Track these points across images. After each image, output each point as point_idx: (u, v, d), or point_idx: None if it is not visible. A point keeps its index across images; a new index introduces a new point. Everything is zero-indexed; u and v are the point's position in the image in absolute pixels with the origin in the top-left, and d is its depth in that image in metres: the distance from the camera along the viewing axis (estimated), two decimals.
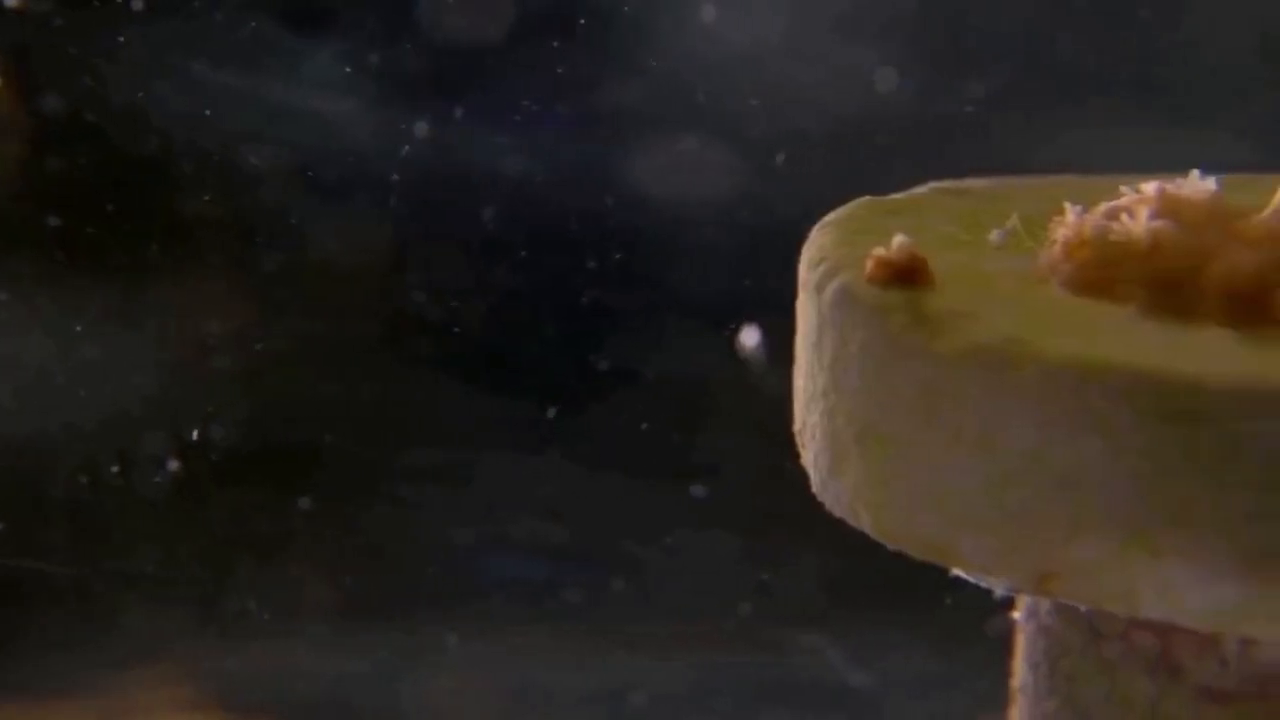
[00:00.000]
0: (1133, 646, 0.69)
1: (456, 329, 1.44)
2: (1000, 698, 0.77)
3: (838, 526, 0.72)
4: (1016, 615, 0.76)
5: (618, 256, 1.43)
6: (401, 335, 1.44)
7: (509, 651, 1.43)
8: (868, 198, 0.79)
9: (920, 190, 0.80)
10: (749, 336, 1.35)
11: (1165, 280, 0.68)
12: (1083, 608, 0.68)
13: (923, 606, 1.30)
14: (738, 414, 1.38)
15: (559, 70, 1.41)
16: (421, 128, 1.40)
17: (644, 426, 1.42)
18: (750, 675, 1.40)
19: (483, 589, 1.44)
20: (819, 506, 0.72)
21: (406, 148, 1.38)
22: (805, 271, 0.73)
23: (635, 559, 1.42)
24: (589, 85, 1.42)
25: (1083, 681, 0.71)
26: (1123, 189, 0.71)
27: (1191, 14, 1.39)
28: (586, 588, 1.42)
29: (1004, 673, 0.77)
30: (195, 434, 1.41)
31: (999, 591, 0.69)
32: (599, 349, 1.44)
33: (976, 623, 1.22)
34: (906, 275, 0.70)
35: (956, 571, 0.69)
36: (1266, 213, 0.69)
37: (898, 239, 0.70)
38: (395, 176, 1.37)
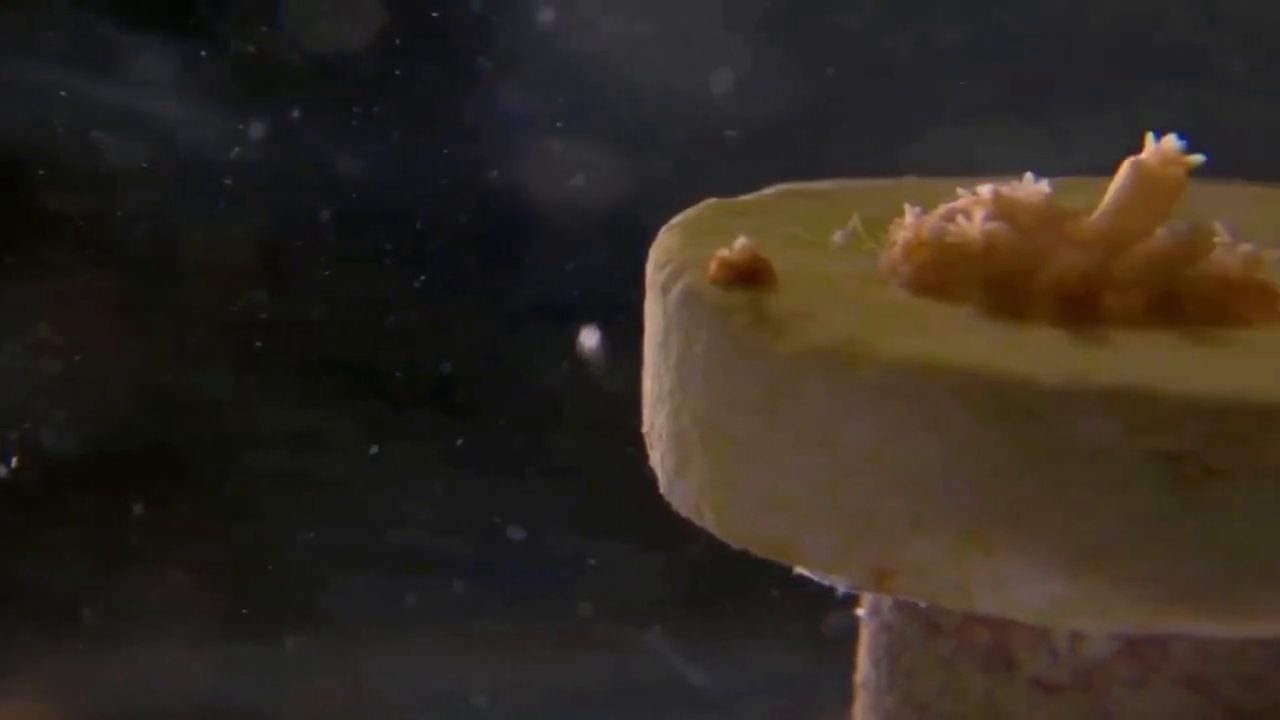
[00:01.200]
0: (969, 641, 0.70)
1: (304, 332, 1.43)
2: (846, 695, 0.78)
3: (684, 526, 0.72)
4: (860, 612, 0.77)
5: (466, 258, 1.43)
6: (248, 338, 1.43)
7: (356, 656, 1.42)
8: (714, 199, 0.79)
9: (767, 192, 0.81)
10: (590, 338, 1.35)
11: (1000, 281, 0.69)
12: (921, 604, 0.69)
13: (767, 606, 1.31)
14: (586, 415, 1.38)
15: (405, 71, 1.41)
16: (260, 129, 1.39)
17: (491, 428, 1.42)
18: (594, 676, 1.40)
19: (329, 593, 1.43)
20: (667, 506, 0.73)
21: (238, 150, 1.37)
22: (652, 273, 0.74)
23: (478, 560, 1.42)
24: (439, 86, 1.42)
25: (921, 676, 0.72)
26: (960, 191, 0.72)
27: (1055, 13, 1.41)
28: (429, 590, 1.42)
29: (849, 670, 0.78)
30: (39, 439, 1.39)
31: (841, 589, 0.70)
32: (447, 351, 1.43)
33: (821, 621, 1.23)
34: (749, 276, 0.70)
35: (800, 570, 0.69)
36: (1095, 215, 0.71)
37: (740, 240, 0.71)
38: (227, 181, 1.36)
